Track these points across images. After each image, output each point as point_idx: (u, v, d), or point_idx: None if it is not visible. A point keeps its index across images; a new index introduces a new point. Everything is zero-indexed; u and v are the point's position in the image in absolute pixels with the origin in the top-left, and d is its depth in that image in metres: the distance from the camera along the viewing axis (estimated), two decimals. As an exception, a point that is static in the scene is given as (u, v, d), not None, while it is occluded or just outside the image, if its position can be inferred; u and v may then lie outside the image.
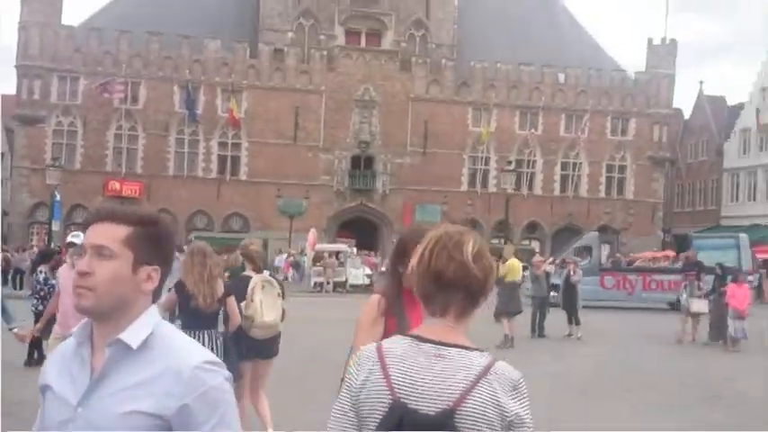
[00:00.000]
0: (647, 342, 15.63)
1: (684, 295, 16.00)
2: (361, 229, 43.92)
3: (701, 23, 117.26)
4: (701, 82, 64.41)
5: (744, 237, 26.36)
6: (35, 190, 41.02)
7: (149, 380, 1.55)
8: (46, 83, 42.48)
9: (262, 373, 6.22)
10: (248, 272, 6.25)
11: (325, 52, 45.09)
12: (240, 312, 5.75)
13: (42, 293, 10.26)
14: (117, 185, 42.31)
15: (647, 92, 47.82)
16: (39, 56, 42.07)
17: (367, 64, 45.55)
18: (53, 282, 10.07)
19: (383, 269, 34.22)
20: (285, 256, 35.14)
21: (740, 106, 48.96)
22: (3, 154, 58.20)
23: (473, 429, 1.56)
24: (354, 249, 34.48)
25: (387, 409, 1.59)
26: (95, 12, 45.85)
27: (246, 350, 5.88)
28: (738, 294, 14.48)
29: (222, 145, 44.51)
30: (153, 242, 1.64)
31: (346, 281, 30.65)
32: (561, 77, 47.09)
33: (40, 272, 10.36)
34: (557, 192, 47.37)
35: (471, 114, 46.35)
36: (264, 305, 5.78)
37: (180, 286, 5.51)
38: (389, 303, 2.91)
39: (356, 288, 29.97)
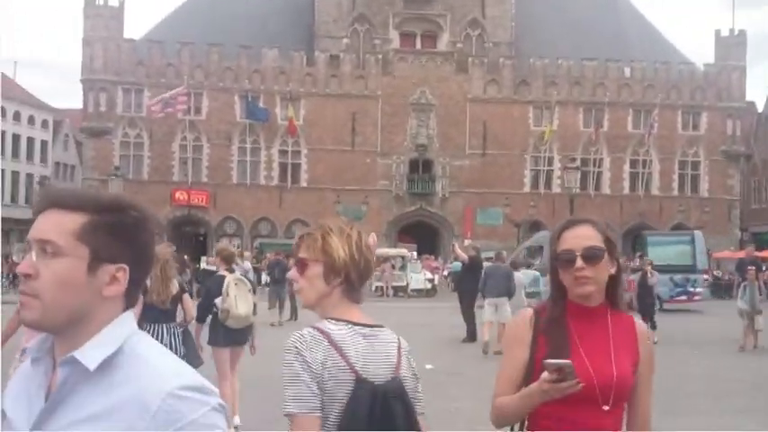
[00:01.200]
0: (709, 346, 14.68)
1: (744, 297, 14.34)
2: (421, 234, 43.51)
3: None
4: (775, 73, 61.55)
5: (698, 233, 25.45)
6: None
7: (108, 411, 1.19)
8: (111, 96, 43.63)
9: (235, 358, 7.02)
10: (221, 272, 7.06)
11: (380, 56, 44.93)
12: (216, 306, 6.68)
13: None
14: (184, 195, 43.06)
15: (717, 84, 45.89)
16: (103, 69, 43.25)
17: (423, 66, 45.16)
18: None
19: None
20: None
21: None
22: (74, 166, 60.49)
23: (408, 386, 1.99)
24: (415, 254, 34.13)
25: (354, 385, 1.86)
26: (156, 24, 46.92)
27: (224, 338, 6.76)
28: None
29: (282, 153, 44.84)
30: (117, 234, 1.27)
31: (407, 285, 30.33)
32: (627, 72, 45.59)
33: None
34: (626, 190, 45.86)
35: (532, 113, 45.36)
36: (238, 299, 6.60)
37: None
38: (549, 318, 2.12)
39: (417, 292, 29.63)
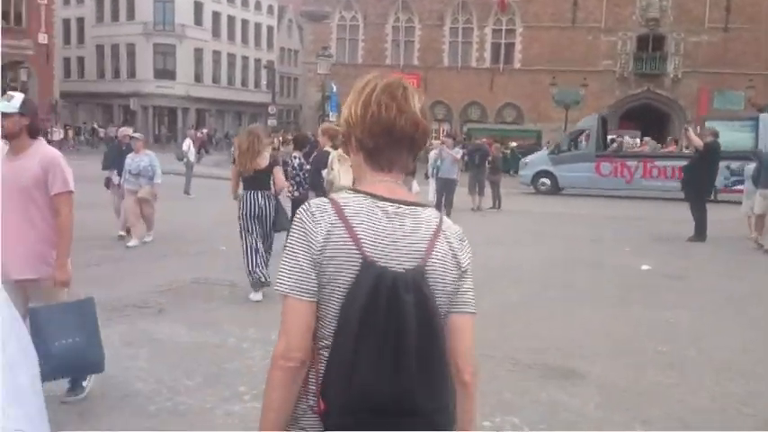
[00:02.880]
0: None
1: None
2: (647, 119, 39.98)
3: None
4: None
5: (764, 116, 22.32)
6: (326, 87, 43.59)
7: None
8: (329, -21, 44.06)
9: None
10: (327, 148, 8.06)
11: None
12: (322, 177, 7.72)
13: (297, 179, 10.19)
14: (396, 79, 43.12)
15: None
16: (321, -49, 43.57)
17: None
18: (307, 167, 9.95)
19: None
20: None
21: None
22: (297, 51, 62.97)
23: (439, 282, 1.56)
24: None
25: (359, 269, 1.49)
26: None
27: None
28: None
29: (496, 33, 42.93)
30: None
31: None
32: None
33: (295, 157, 10.26)
34: None
35: (791, -21, 38.76)
36: (341, 172, 7.06)
37: (234, 158, 7.49)
38: None
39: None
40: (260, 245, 7.14)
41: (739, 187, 19.51)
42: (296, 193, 10.27)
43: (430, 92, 43.13)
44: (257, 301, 6.96)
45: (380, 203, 1.56)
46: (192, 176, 18.68)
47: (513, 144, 35.39)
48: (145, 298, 6.93)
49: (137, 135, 11.06)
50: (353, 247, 1.49)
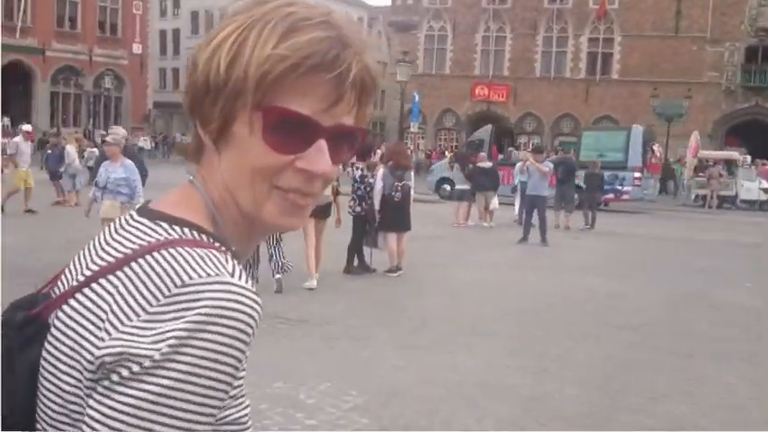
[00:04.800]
0: None
1: None
2: (754, 136, 36.97)
3: None
4: None
5: (636, 128, 23.26)
6: (407, 96, 42.62)
7: None
8: (419, -13, 43.24)
9: (319, 228, 8.23)
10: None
11: None
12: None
13: (359, 193, 9.12)
14: (484, 90, 41.94)
15: None
16: (410, -40, 42.81)
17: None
18: (371, 180, 8.93)
19: None
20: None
21: None
22: (386, 64, 62.39)
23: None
24: (748, 158, 28.93)
25: None
26: None
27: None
28: None
29: (592, 41, 40.96)
30: None
31: (736, 195, 25.89)
32: None
33: (356, 168, 9.20)
34: None
35: None
36: None
37: None
38: None
39: (749, 204, 25.12)
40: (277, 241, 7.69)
41: (609, 196, 20.26)
42: (357, 208, 9.19)
43: (519, 103, 41.57)
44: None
45: None
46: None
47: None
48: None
49: (108, 139, 8.49)
50: None
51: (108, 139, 8.49)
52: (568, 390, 5.06)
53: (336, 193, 8.29)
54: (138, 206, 0.79)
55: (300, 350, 5.68)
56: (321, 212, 8.24)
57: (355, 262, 9.19)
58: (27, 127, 15.49)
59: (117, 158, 7.81)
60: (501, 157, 24.92)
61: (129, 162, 7.90)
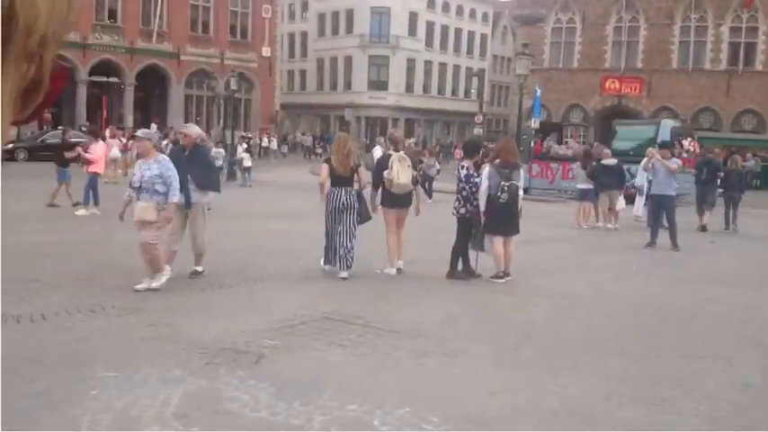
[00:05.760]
0: None
1: None
2: None
3: None
4: None
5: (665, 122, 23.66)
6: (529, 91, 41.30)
7: None
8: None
9: (401, 217, 8.77)
10: (390, 151, 8.94)
11: None
12: (383, 177, 8.55)
13: (464, 194, 8.55)
14: (615, 83, 39.94)
15: None
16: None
17: None
18: (477, 179, 8.37)
19: None
20: None
21: None
22: (509, 59, 60.87)
23: None
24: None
25: None
26: None
27: (390, 202, 8.66)
28: None
29: (734, 31, 37.89)
30: None
31: None
32: None
33: (462, 167, 8.67)
34: None
35: None
36: (400, 172, 8.43)
37: (328, 159, 8.55)
38: None
39: None
40: (344, 235, 8.14)
41: None
42: (461, 210, 8.60)
43: (654, 96, 39.22)
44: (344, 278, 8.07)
45: None
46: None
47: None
48: (250, 339, 5.63)
49: (139, 134, 8.06)
50: None
51: (138, 133, 8.13)
52: (693, 425, 4.30)
53: (416, 182, 8.97)
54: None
55: (384, 366, 5.21)
56: (402, 201, 8.67)
57: (459, 266, 8.63)
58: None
59: (150, 155, 7.32)
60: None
61: (162, 157, 7.47)
